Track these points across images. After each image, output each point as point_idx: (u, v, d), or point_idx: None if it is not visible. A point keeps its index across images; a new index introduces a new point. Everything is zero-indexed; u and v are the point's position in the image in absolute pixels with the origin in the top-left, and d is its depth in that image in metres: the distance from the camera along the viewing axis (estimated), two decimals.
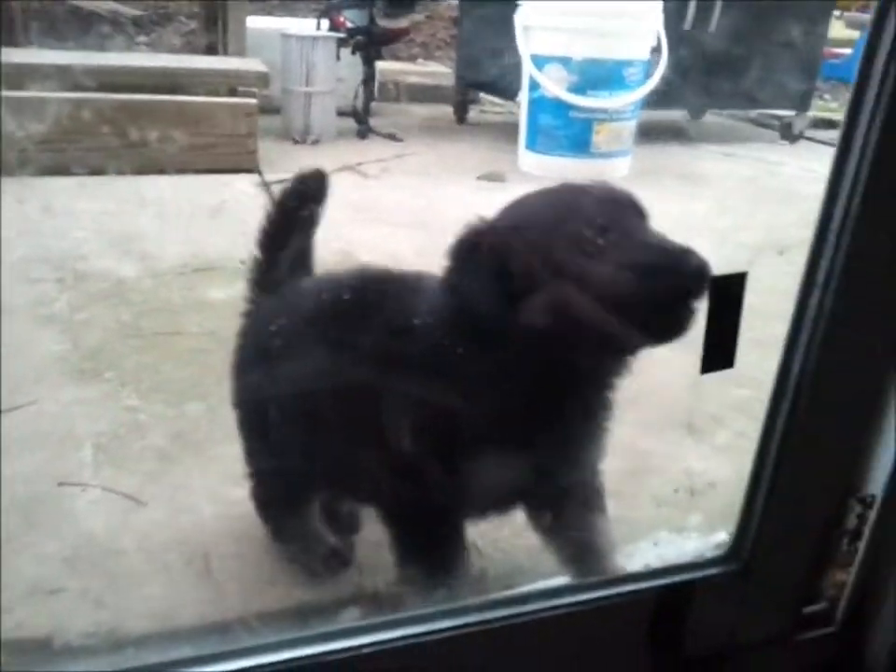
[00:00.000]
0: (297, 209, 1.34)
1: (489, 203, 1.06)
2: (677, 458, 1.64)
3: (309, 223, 1.36)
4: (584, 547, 1.27)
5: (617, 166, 3.81)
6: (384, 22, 4.31)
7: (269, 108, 4.55)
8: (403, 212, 3.26)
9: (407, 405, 1.09)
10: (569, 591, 0.97)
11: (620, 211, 1.00)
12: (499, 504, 1.20)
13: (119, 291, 2.37)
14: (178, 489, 1.54)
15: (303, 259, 1.39)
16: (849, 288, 0.89)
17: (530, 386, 1.02)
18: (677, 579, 0.97)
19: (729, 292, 0.86)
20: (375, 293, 1.18)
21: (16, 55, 3.64)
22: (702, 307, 0.95)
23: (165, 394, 1.85)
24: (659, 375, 1.93)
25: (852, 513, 1.02)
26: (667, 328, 0.97)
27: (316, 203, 1.33)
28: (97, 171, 3.42)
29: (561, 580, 1.08)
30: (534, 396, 1.03)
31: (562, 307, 0.96)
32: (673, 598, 0.96)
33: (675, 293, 0.94)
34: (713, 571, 0.99)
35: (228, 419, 1.77)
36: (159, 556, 1.38)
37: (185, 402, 1.81)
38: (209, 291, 2.42)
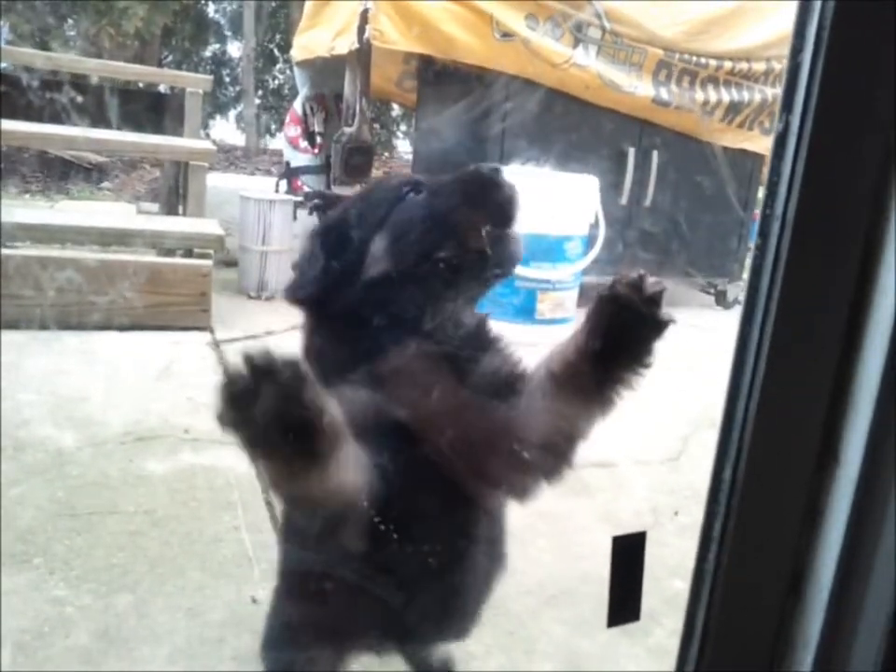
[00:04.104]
0: None
1: None
2: (610, 662, 1.63)
3: None
4: None
5: (560, 332, 3.94)
6: (339, 189, 4.52)
7: (227, 261, 4.67)
8: None
9: None
10: None
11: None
12: None
13: (57, 463, 2.34)
14: None
15: None
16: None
17: None
18: None
19: (629, 551, 0.90)
20: None
21: None
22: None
23: (94, 583, 1.80)
24: (594, 565, 1.95)
25: None
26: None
27: None
28: (49, 326, 3.44)
29: None
30: None
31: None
32: None
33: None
34: None
35: (156, 614, 1.75)
36: None
37: (113, 593, 1.77)
38: (149, 463, 2.40)
